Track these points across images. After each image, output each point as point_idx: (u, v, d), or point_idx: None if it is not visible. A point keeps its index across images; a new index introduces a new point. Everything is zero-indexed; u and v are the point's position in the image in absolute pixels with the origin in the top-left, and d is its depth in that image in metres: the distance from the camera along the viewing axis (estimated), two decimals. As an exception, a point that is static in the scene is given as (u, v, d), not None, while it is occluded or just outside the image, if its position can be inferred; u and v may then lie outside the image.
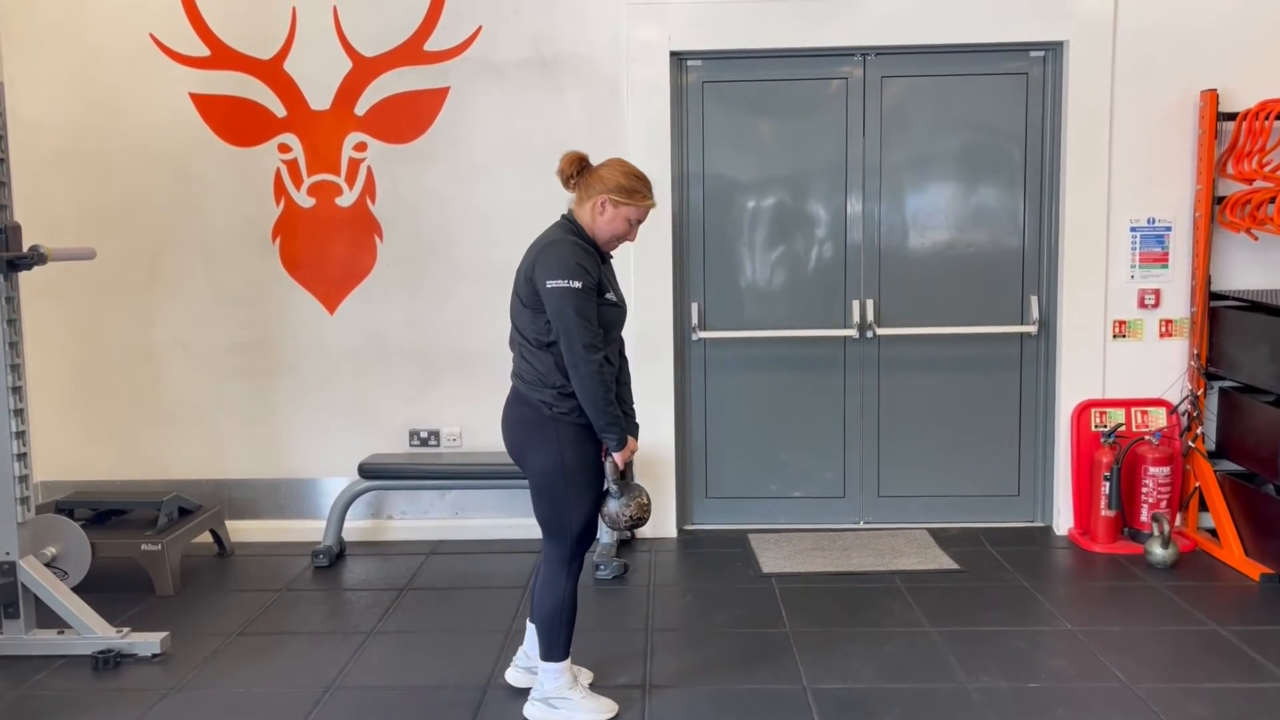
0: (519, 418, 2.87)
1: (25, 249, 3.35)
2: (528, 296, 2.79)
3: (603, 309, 2.79)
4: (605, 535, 4.30)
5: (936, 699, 3.06)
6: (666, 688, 3.17)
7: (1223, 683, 3.14)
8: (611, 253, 2.93)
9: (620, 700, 3.03)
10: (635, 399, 3.07)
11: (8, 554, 3.42)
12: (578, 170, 2.87)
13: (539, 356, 2.81)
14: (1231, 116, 4.30)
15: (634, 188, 2.84)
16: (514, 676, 3.18)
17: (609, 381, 2.78)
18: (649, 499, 2.91)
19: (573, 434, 2.81)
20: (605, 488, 2.87)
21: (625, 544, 4.51)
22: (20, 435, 3.40)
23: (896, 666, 3.28)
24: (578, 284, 2.71)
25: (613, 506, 2.86)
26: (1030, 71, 4.52)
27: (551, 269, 2.72)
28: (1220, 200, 4.35)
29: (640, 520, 2.89)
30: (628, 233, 2.88)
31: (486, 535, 4.62)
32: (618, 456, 2.84)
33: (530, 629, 3.13)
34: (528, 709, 2.98)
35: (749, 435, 4.74)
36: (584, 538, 2.89)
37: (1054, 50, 4.48)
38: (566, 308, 2.70)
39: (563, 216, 2.91)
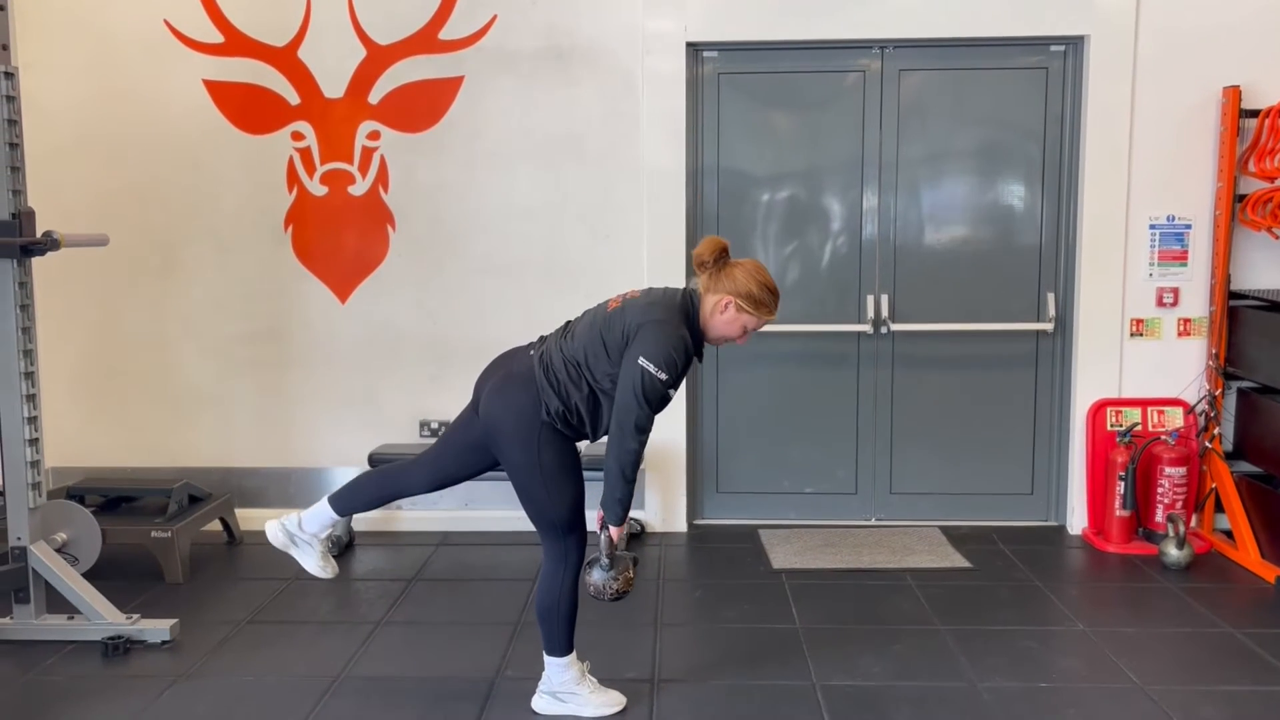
0: (512, 404, 2.80)
1: (39, 235, 3.35)
2: (614, 346, 2.74)
3: (662, 398, 2.75)
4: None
5: (946, 698, 3.04)
6: (675, 682, 3.15)
7: (1236, 685, 3.11)
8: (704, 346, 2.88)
9: (629, 694, 3.02)
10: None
11: (19, 539, 3.42)
12: (714, 258, 2.80)
13: (578, 381, 2.77)
14: (1254, 114, 4.24)
15: (763, 300, 2.78)
16: (271, 528, 3.08)
17: (639, 462, 2.76)
18: (635, 572, 2.89)
19: (552, 436, 2.80)
20: (594, 558, 2.85)
21: (635, 538, 4.50)
22: (32, 421, 3.40)
23: (906, 664, 3.26)
24: (664, 376, 2.67)
25: (598, 578, 2.83)
26: (1050, 66, 4.47)
27: (651, 349, 2.67)
28: (1241, 198, 4.30)
29: (625, 594, 2.87)
30: (739, 338, 2.84)
31: (495, 527, 4.61)
32: (614, 531, 2.82)
33: (322, 502, 3.05)
34: (536, 701, 2.98)
35: (760, 430, 4.71)
36: (575, 529, 2.86)
37: (1075, 45, 4.43)
38: (639, 389, 2.66)
39: (688, 293, 2.84)
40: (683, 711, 2.97)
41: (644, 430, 2.70)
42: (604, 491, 2.77)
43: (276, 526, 3.08)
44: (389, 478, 3.06)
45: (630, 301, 2.81)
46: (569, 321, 2.91)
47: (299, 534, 3.07)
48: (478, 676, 3.19)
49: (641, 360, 2.66)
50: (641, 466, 4.45)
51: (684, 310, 2.78)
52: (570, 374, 2.77)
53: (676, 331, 2.71)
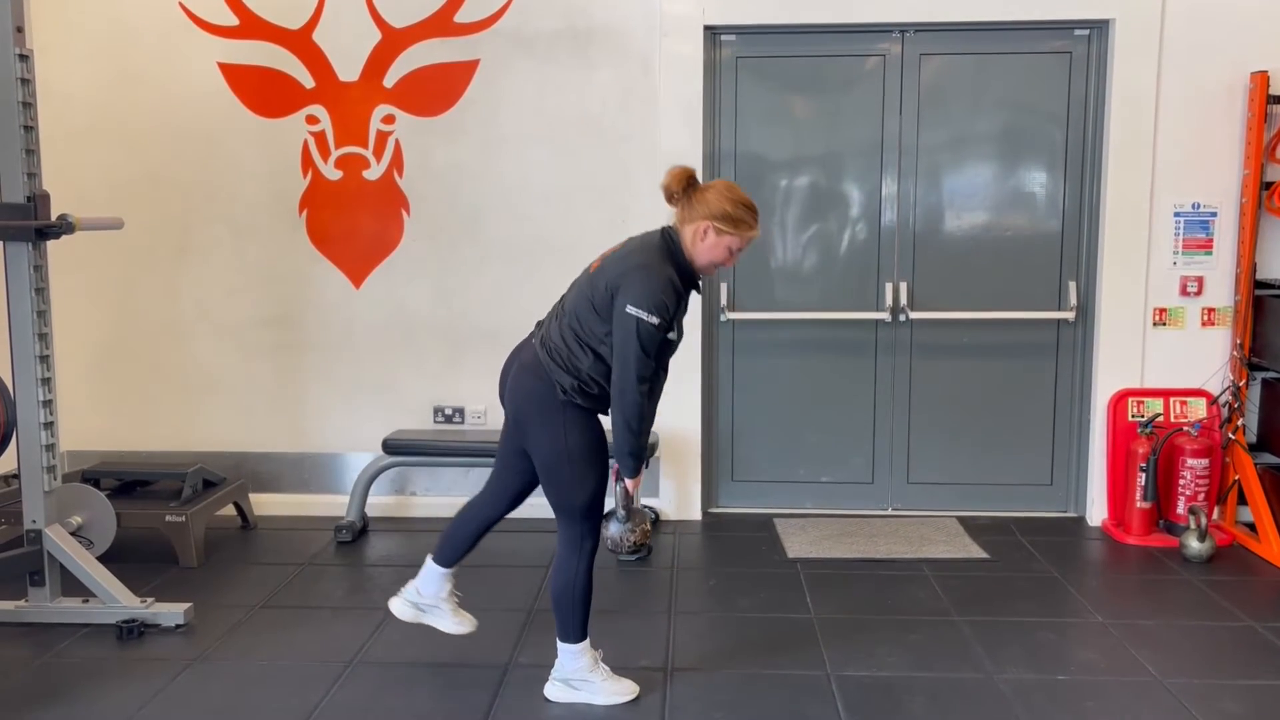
0: (530, 391, 2.80)
1: (54, 218, 3.35)
2: (601, 303, 2.72)
3: (661, 343, 2.73)
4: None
5: (963, 689, 3.01)
6: (689, 670, 3.13)
7: (1257, 679, 3.07)
8: (702, 279, 2.86)
9: (642, 682, 3.00)
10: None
11: (34, 522, 3.43)
12: (683, 188, 2.77)
13: (580, 352, 2.75)
14: (1282, 99, 4.18)
15: (740, 217, 2.75)
16: (397, 606, 3.12)
17: (645, 412, 2.74)
18: (651, 525, 2.88)
19: (578, 415, 2.78)
20: (610, 510, 2.82)
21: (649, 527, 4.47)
22: (47, 404, 3.40)
23: (923, 655, 3.23)
24: (654, 320, 2.65)
25: (616, 530, 2.85)
26: (1074, 50, 4.40)
27: (636, 295, 2.65)
28: (1268, 186, 4.23)
29: (643, 546, 2.86)
30: (727, 260, 2.81)
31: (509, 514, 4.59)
32: (630, 484, 2.81)
33: (429, 566, 3.10)
34: (548, 689, 2.96)
35: (777, 418, 4.68)
36: (593, 516, 2.85)
37: (1099, 28, 4.36)
38: (634, 338, 2.65)
39: (665, 230, 2.81)
40: (696, 700, 2.95)
41: (644, 379, 2.68)
42: (614, 445, 2.76)
43: (400, 603, 3.13)
44: (469, 511, 3.10)
45: (609, 256, 2.80)
46: (561, 297, 2.90)
47: (421, 601, 3.12)
48: (490, 663, 3.18)
49: (630, 309, 2.64)
50: (657, 455, 4.48)
51: (665, 249, 2.75)
52: (572, 346, 2.76)
53: (660, 273, 2.68)
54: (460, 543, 3.09)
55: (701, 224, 2.74)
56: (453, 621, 3.11)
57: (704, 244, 2.76)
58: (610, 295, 2.69)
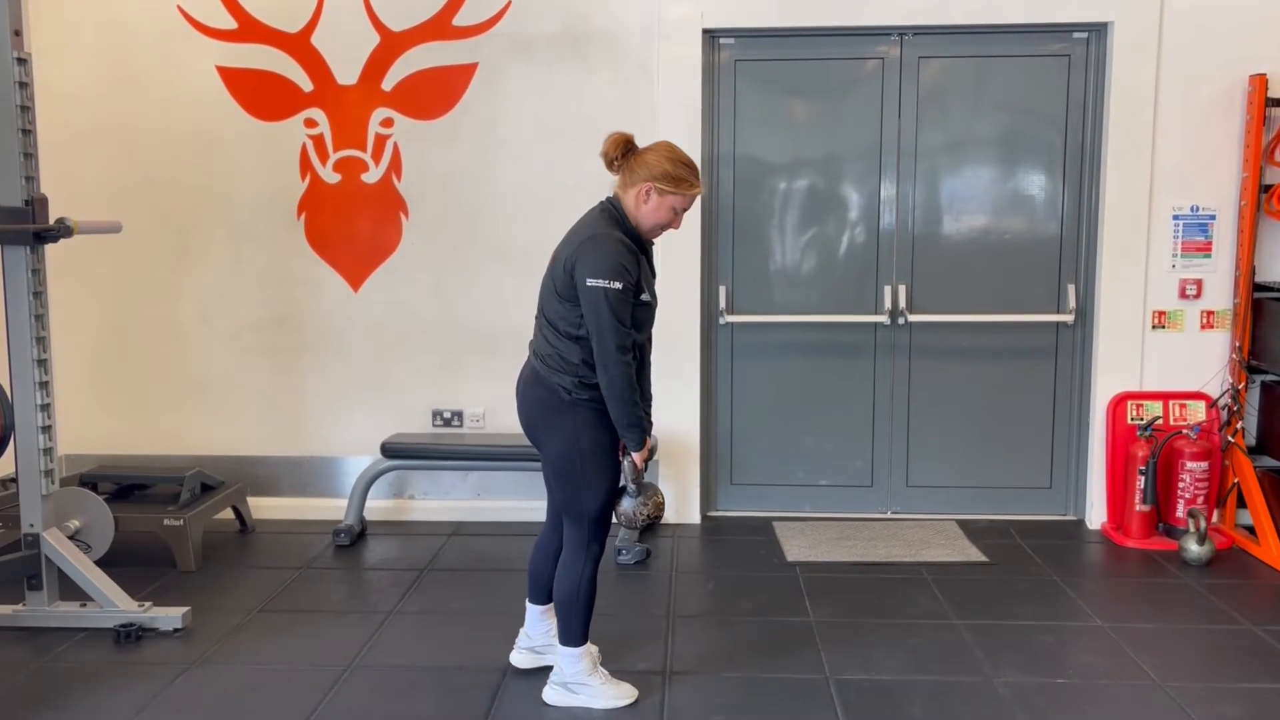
0: (536, 399, 2.83)
1: (51, 221, 3.34)
2: (564, 288, 2.73)
3: (636, 309, 2.73)
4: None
5: (962, 692, 3.00)
6: (687, 674, 3.13)
7: (1257, 683, 3.06)
8: (653, 241, 2.87)
9: (640, 686, 3.00)
10: (660, 382, 3.01)
11: (31, 526, 3.43)
12: (622, 153, 2.78)
13: (565, 345, 2.76)
14: (1281, 102, 4.18)
15: (680, 175, 2.74)
16: (517, 658, 3.16)
17: (635, 381, 2.74)
18: (664, 498, 2.88)
19: (589, 418, 2.78)
20: (621, 485, 2.83)
21: (648, 529, 4.47)
22: (45, 408, 3.40)
23: (921, 659, 3.22)
24: (617, 285, 2.65)
25: (628, 505, 2.85)
26: (1073, 53, 4.40)
27: (592, 266, 2.66)
28: (1267, 189, 4.23)
29: (656, 519, 2.87)
30: (672, 221, 2.81)
31: (508, 517, 4.59)
32: (636, 456, 2.81)
33: (529, 609, 3.13)
34: (546, 692, 2.96)
35: (775, 421, 4.67)
36: (602, 520, 2.86)
37: (1098, 31, 4.36)
38: (603, 308, 2.65)
39: (606, 201, 2.82)
40: (694, 704, 2.94)
41: (624, 349, 2.69)
42: (614, 421, 2.76)
43: (517, 654, 3.16)
44: (539, 545, 3.10)
45: (558, 247, 2.82)
46: (538, 309, 2.92)
47: (534, 644, 3.14)
48: (489, 666, 3.18)
49: (590, 282, 2.65)
50: (656, 459, 4.47)
51: (610, 218, 2.77)
52: (557, 344, 2.77)
53: (610, 239, 2.69)
54: (545, 578, 3.10)
55: (643, 186, 2.75)
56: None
57: (647, 206, 2.76)
58: (570, 276, 2.71)
